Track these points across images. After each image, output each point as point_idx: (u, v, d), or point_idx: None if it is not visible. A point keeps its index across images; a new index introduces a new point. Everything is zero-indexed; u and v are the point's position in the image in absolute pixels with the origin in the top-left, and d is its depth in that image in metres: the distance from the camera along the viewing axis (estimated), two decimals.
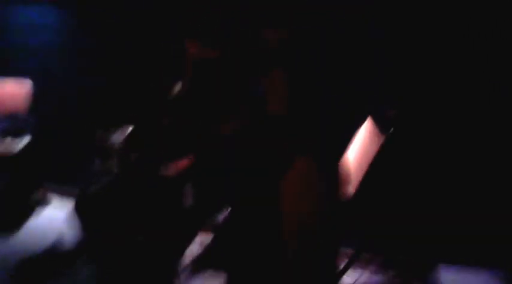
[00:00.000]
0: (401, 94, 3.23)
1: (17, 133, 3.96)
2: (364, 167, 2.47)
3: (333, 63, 3.06)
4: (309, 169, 1.82)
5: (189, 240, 2.75)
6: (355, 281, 3.08)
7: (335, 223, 1.91)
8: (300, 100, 1.82)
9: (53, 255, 3.33)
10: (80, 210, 2.76)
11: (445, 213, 3.21)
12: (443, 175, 3.20)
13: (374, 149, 2.47)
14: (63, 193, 4.33)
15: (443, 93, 3.15)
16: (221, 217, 2.50)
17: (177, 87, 2.54)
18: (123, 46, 3.89)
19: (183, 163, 2.63)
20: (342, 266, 2.43)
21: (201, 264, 2.82)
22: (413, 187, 3.23)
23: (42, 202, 4.21)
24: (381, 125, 2.56)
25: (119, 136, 2.93)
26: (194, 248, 2.86)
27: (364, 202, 2.79)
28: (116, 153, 2.89)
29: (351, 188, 2.56)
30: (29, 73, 4.25)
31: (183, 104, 2.35)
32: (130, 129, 2.95)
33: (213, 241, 2.70)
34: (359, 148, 2.73)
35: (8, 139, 3.88)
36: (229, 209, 2.39)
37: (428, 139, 3.19)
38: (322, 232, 1.87)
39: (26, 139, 3.94)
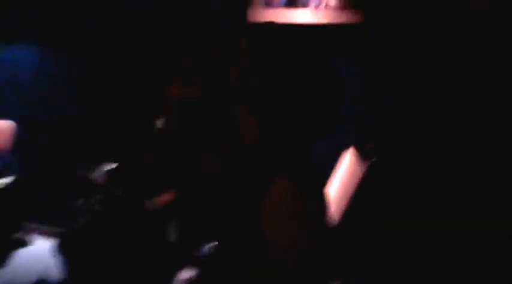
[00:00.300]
0: (383, 124, 3.25)
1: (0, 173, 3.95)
2: (348, 196, 2.48)
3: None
4: (292, 197, 1.82)
5: (173, 275, 2.72)
6: None
7: (321, 251, 1.89)
8: (269, 128, 1.84)
9: None
10: (63, 248, 2.73)
11: (429, 241, 3.20)
12: (428, 203, 3.20)
13: (357, 178, 2.49)
14: (45, 232, 4.29)
15: (426, 120, 3.17)
16: (205, 250, 2.48)
17: (159, 123, 2.57)
18: (104, 83, 3.92)
19: (166, 197, 2.63)
20: None
21: None
22: (398, 217, 3.22)
23: (25, 241, 4.16)
24: (363, 154, 2.58)
25: (100, 173, 2.93)
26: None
27: (348, 230, 2.80)
28: (98, 190, 2.88)
29: (335, 217, 2.57)
30: (11, 114, 4.26)
31: (164, 141, 2.36)
32: (111, 165, 2.95)
33: (197, 275, 2.68)
34: (342, 177, 2.75)
35: None
36: (214, 242, 2.38)
37: (412, 167, 3.19)
38: (307, 261, 1.86)
39: (8, 179, 3.91)
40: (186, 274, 2.61)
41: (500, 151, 3.00)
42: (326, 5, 3.29)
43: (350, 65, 3.35)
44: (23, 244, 4.14)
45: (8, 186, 3.88)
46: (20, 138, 4.22)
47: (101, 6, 3.91)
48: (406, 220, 3.22)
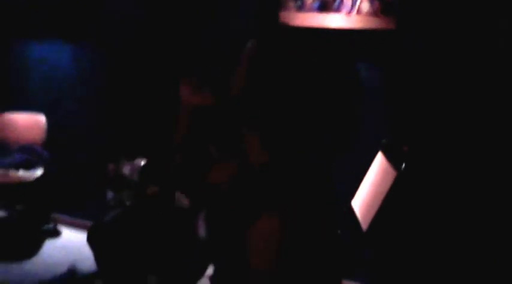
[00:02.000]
0: (414, 128, 3.24)
1: (30, 166, 4.01)
2: (376, 205, 2.47)
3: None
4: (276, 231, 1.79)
5: (201, 272, 2.76)
6: None
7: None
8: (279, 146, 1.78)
9: (67, 281, 3.34)
10: (93, 241, 2.78)
11: (460, 255, 3.17)
12: (458, 213, 3.18)
13: (386, 186, 2.48)
14: (75, 224, 4.37)
15: (458, 127, 3.16)
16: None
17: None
18: (135, 80, 3.96)
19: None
20: None
21: None
22: (428, 226, 3.20)
23: (53, 233, 4.23)
24: (393, 161, 2.57)
25: (131, 169, 2.96)
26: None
27: (376, 240, 2.78)
28: (128, 185, 2.92)
29: (363, 226, 2.57)
30: (43, 108, 4.35)
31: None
32: (142, 161, 2.99)
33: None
34: (370, 185, 2.75)
35: (21, 172, 3.93)
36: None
37: (443, 176, 3.18)
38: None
39: (38, 172, 3.98)
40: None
41: None
42: (358, 11, 3.31)
43: (380, 71, 3.36)
44: (54, 235, 4.23)
45: (39, 178, 3.95)
46: (52, 131, 4.31)
47: (132, 5, 3.96)
48: (441, 232, 3.21)
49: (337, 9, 3.36)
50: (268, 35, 1.91)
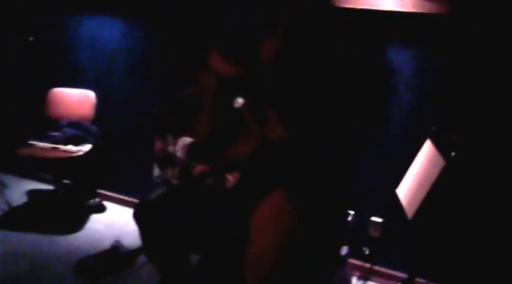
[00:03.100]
0: (465, 116, 3.16)
1: (79, 141, 4.09)
2: (424, 192, 2.43)
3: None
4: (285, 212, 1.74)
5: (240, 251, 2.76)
6: None
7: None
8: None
9: (112, 255, 3.41)
10: (139, 218, 2.82)
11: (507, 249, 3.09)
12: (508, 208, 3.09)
13: (434, 174, 2.44)
14: (121, 201, 4.48)
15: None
16: None
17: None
18: (185, 56, 3.95)
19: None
20: None
21: None
22: (477, 214, 3.13)
23: (99, 208, 4.33)
24: (442, 149, 2.52)
25: (178, 146, 2.97)
26: None
27: (423, 227, 2.74)
28: (175, 163, 2.94)
29: (408, 214, 2.53)
30: (92, 84, 4.43)
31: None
32: (190, 139, 2.99)
33: None
34: (418, 172, 2.71)
35: (70, 147, 4.01)
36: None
37: (494, 164, 3.09)
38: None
39: (87, 147, 4.06)
40: None
41: None
42: None
43: (430, 57, 3.29)
44: (99, 210, 4.32)
45: (87, 153, 4.03)
46: (101, 107, 4.39)
47: None
48: (490, 222, 3.13)
49: None
50: (306, 10, 1.86)
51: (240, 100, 1.85)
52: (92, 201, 4.35)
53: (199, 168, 2.86)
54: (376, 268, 3.51)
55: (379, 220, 3.52)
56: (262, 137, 1.73)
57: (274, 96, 1.72)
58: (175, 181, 2.91)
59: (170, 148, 2.98)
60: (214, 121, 1.88)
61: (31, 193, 4.51)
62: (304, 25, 1.74)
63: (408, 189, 2.69)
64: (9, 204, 4.16)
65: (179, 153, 2.94)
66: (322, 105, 1.68)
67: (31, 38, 4.48)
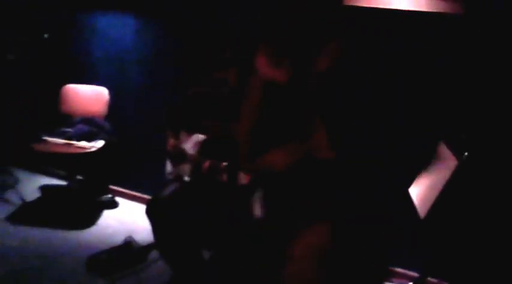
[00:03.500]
0: (475, 116, 3.15)
1: (92, 137, 4.12)
2: (436, 192, 2.43)
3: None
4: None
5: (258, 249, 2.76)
6: None
7: None
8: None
9: (124, 251, 3.42)
10: (151, 214, 2.83)
11: None
12: None
13: (447, 174, 2.43)
14: (133, 197, 4.50)
15: None
16: None
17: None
18: (198, 52, 3.95)
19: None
20: None
21: None
22: (489, 214, 3.11)
23: (111, 204, 4.36)
24: (455, 150, 2.51)
25: (191, 143, 2.98)
26: None
27: (435, 227, 2.73)
28: (187, 160, 2.95)
29: (420, 213, 2.53)
30: (105, 80, 4.45)
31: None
32: (203, 136, 2.99)
33: None
34: (430, 173, 2.70)
35: (83, 143, 4.03)
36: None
37: (506, 164, 3.07)
38: None
39: (99, 143, 4.08)
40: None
41: None
42: None
43: (447, 55, 3.27)
44: (111, 206, 4.35)
45: (100, 150, 4.05)
46: (114, 104, 4.41)
47: None
48: (502, 222, 3.12)
49: None
50: (320, 10, 1.76)
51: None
52: (104, 196, 4.39)
53: (211, 165, 2.87)
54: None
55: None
56: (304, 153, 1.65)
57: (324, 109, 1.65)
58: (187, 178, 2.92)
59: (183, 145, 2.99)
60: (254, 125, 1.80)
61: (44, 188, 4.54)
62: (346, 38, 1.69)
63: (420, 188, 2.69)
64: (22, 199, 4.20)
65: (192, 150, 2.95)
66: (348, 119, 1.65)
67: (46, 35, 4.51)
